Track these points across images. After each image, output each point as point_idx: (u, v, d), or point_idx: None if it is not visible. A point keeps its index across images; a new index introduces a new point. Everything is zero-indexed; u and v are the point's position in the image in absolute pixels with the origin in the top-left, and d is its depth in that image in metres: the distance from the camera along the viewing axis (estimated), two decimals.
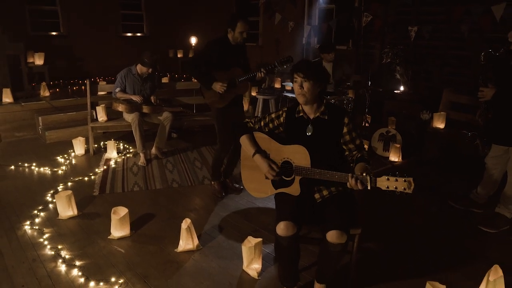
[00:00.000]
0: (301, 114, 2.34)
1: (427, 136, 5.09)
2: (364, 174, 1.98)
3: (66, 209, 3.32)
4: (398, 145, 4.99)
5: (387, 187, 1.94)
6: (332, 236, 2.05)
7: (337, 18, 6.91)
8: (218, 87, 3.45)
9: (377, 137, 5.22)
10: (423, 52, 6.43)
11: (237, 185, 3.96)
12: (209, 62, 3.48)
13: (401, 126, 5.53)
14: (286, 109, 2.44)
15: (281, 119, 2.41)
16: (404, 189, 1.91)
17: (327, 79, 2.34)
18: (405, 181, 1.91)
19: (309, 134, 2.30)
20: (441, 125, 4.98)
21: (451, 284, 2.29)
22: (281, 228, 2.11)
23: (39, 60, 7.18)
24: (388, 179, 1.93)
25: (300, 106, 2.35)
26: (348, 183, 2.02)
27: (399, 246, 3.05)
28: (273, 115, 2.45)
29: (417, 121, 5.43)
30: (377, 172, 4.55)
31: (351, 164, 2.26)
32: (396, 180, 1.91)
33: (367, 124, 5.76)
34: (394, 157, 4.96)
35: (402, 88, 6.26)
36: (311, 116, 2.32)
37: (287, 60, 3.40)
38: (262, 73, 3.42)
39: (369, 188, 1.98)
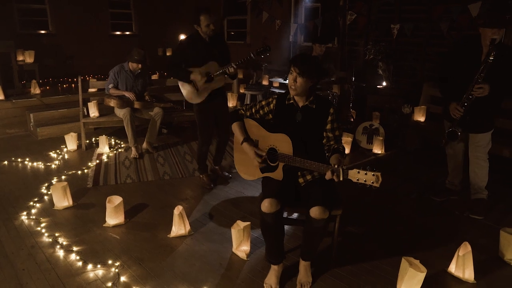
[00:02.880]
0: (291, 102, 2.50)
1: (409, 129, 5.32)
2: (337, 167, 2.13)
3: (62, 200, 3.45)
4: (381, 138, 5.20)
5: (357, 180, 2.07)
6: (315, 211, 2.23)
7: (323, 17, 7.12)
8: (198, 77, 3.52)
9: (361, 131, 5.43)
10: (405, 49, 6.66)
11: (226, 174, 4.12)
12: (185, 59, 3.59)
13: (384, 120, 5.75)
14: (276, 96, 2.61)
15: (271, 105, 2.58)
16: (372, 182, 2.02)
17: (321, 76, 2.51)
18: (373, 175, 2.02)
19: (298, 120, 2.46)
20: (421, 118, 5.21)
21: (426, 261, 2.47)
22: (266, 206, 2.29)
23: (29, 58, 7.23)
24: (358, 172, 2.06)
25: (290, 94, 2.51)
26: (326, 175, 2.17)
27: (378, 229, 3.25)
28: (263, 102, 2.62)
29: (399, 115, 5.65)
30: (362, 163, 4.75)
31: (327, 154, 2.43)
32: (366, 174, 2.03)
33: (352, 119, 5.97)
34: (377, 150, 5.18)
35: (384, 83, 6.49)
36: (300, 104, 2.48)
37: (264, 50, 3.45)
38: (232, 68, 3.49)
39: (341, 179, 2.13)
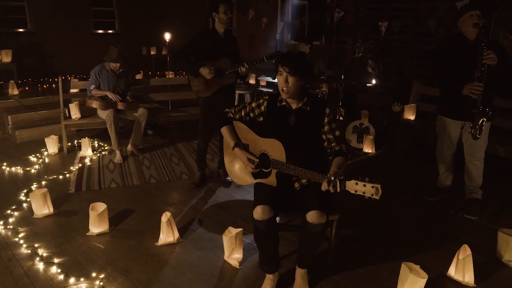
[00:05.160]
0: (283, 104, 2.36)
1: (399, 128, 5.27)
2: (333, 178, 1.99)
3: (42, 208, 3.26)
4: (372, 137, 5.14)
5: (356, 191, 1.95)
6: (312, 216, 2.11)
7: (310, 14, 7.04)
8: (207, 72, 3.52)
9: (351, 130, 5.36)
10: (393, 47, 6.63)
11: (228, 178, 3.98)
12: (197, 52, 3.61)
13: (374, 118, 5.69)
14: (267, 97, 2.45)
15: (262, 107, 2.44)
16: (372, 194, 1.91)
17: (312, 73, 2.38)
18: (373, 187, 1.90)
19: (292, 124, 2.33)
20: (411, 117, 5.16)
21: (425, 265, 2.39)
22: (258, 212, 2.16)
23: (6, 58, 6.94)
24: (356, 183, 1.94)
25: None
26: (322, 186, 2.04)
27: (373, 233, 3.16)
28: (253, 104, 2.48)
29: (389, 113, 5.59)
30: (352, 163, 4.68)
31: (330, 157, 2.31)
32: (364, 186, 1.92)
33: (341, 118, 5.89)
34: (368, 149, 5.11)
35: (374, 81, 6.44)
36: (294, 106, 2.34)
37: (276, 54, 3.44)
38: (244, 68, 3.50)
39: (338, 190, 2.00)
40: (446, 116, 3.39)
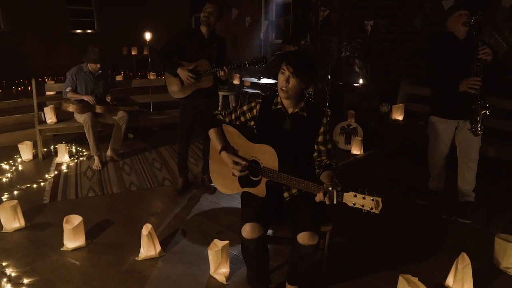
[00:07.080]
0: (279, 107, 2.21)
1: (387, 128, 5.17)
2: (330, 189, 1.86)
3: (12, 221, 3.02)
4: (360, 138, 5.03)
5: (354, 204, 1.83)
6: (303, 238, 1.96)
7: (294, 13, 6.91)
8: (184, 74, 3.33)
9: (339, 131, 5.24)
10: (380, 46, 6.55)
11: (213, 184, 3.81)
12: (179, 51, 3.43)
13: (361, 119, 5.59)
14: (260, 100, 2.30)
15: (254, 111, 2.28)
16: (371, 208, 1.79)
17: (315, 79, 2.23)
18: (373, 200, 1.78)
19: (286, 129, 2.18)
20: (400, 117, 5.07)
21: (421, 274, 2.27)
22: (247, 231, 1.99)
23: None
24: (355, 195, 1.82)
25: (278, 98, 2.22)
26: (316, 196, 1.90)
27: (368, 240, 3.03)
28: (245, 108, 2.31)
29: (377, 114, 5.50)
30: (341, 165, 4.55)
31: (317, 170, 2.16)
32: (364, 198, 1.80)
33: (328, 118, 5.77)
34: (356, 150, 5.00)
35: (361, 81, 6.34)
36: (290, 111, 2.20)
37: (259, 60, 3.27)
38: (223, 72, 3.27)
39: (334, 202, 1.87)
40: (440, 116, 3.29)
